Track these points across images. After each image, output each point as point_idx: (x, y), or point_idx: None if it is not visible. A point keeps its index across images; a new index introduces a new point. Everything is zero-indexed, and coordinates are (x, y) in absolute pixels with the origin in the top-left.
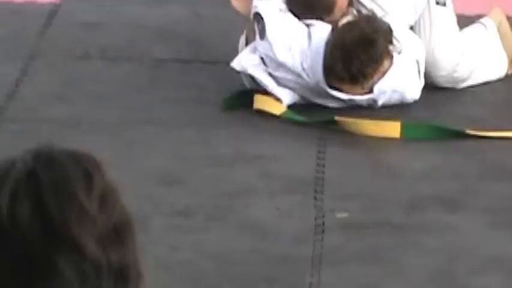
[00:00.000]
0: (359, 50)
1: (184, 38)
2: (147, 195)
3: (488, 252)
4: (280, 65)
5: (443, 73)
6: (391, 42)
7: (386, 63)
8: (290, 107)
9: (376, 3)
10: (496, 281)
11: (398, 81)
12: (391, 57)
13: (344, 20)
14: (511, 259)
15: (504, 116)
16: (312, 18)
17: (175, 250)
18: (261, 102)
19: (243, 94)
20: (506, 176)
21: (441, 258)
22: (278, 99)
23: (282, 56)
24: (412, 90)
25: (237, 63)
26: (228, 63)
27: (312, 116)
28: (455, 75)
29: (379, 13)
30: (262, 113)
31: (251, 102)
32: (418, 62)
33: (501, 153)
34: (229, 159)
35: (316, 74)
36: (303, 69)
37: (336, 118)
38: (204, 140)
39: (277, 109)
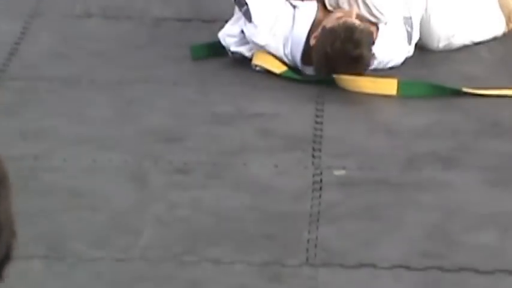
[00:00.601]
0: (344, 66)
1: None
2: (147, 152)
3: (484, 210)
4: (263, 47)
5: (439, 44)
6: (373, 44)
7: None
8: (289, 65)
9: None
10: (491, 237)
11: (388, 47)
12: (377, 26)
13: (327, 21)
14: (506, 216)
15: (501, 74)
16: None
17: (174, 207)
18: (260, 59)
19: (213, 45)
20: (502, 133)
21: (437, 215)
22: (277, 58)
23: (266, 41)
24: (403, 53)
25: (222, 38)
26: (227, 21)
27: (309, 75)
28: (451, 46)
29: None
30: (261, 72)
31: (219, 53)
32: (411, 22)
33: (497, 111)
34: (228, 117)
35: (295, 60)
36: (284, 54)
37: (334, 76)
38: (203, 98)
39: (277, 67)
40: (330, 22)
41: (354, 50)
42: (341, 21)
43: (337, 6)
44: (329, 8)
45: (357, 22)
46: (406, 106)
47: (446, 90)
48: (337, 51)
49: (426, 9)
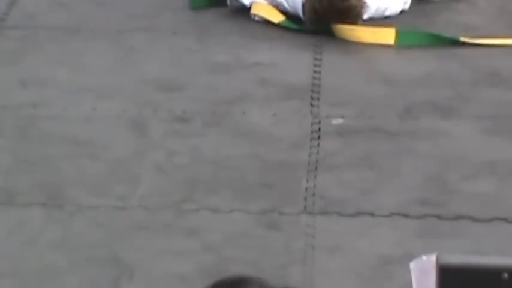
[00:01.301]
0: (335, 19)
1: None
2: (146, 101)
3: (481, 158)
4: None
5: None
6: None
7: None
8: (287, 15)
9: None
10: (488, 185)
11: (381, 0)
12: None
13: None
14: (503, 164)
15: (498, 24)
16: None
17: (173, 155)
18: (259, 8)
19: None
20: (499, 83)
21: (435, 164)
22: (276, 8)
23: None
24: (399, 2)
25: None
26: None
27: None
28: None
29: None
30: (260, 22)
31: (218, 3)
32: None
33: (495, 60)
34: (227, 67)
35: (296, 8)
36: (286, 0)
37: (332, 26)
38: (202, 48)
39: (275, 17)
40: None
41: (341, 3)
42: None
43: None
44: None
45: None
46: (404, 55)
47: (444, 39)
48: (325, 6)
49: None
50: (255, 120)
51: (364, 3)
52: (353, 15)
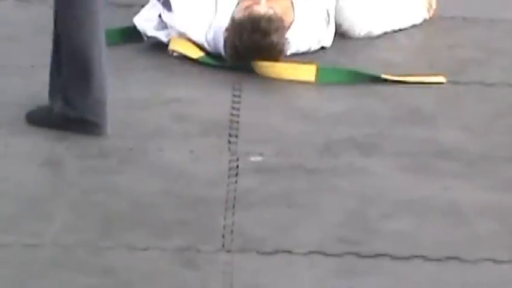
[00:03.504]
0: (256, 56)
1: None
2: (61, 137)
3: (400, 196)
4: (184, 34)
5: (360, 32)
6: (286, 30)
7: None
8: (206, 51)
9: None
10: (406, 223)
11: (305, 32)
12: (293, 10)
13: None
14: (421, 202)
15: (419, 61)
16: None
17: (88, 191)
18: (177, 44)
19: (127, 30)
20: (419, 120)
21: (354, 201)
22: (195, 44)
23: (187, 28)
24: (321, 39)
25: (138, 22)
26: (143, 6)
27: (228, 61)
28: (372, 33)
29: None
30: (179, 58)
31: (134, 38)
32: (328, 11)
33: (415, 98)
34: (144, 102)
35: (217, 47)
36: (206, 40)
37: (252, 62)
38: (120, 83)
39: (194, 53)
40: (238, 13)
41: (262, 40)
42: (247, 11)
43: None
44: None
45: (263, 10)
46: (325, 92)
47: (365, 76)
48: (246, 43)
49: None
50: (172, 157)
51: (286, 39)
52: (275, 53)
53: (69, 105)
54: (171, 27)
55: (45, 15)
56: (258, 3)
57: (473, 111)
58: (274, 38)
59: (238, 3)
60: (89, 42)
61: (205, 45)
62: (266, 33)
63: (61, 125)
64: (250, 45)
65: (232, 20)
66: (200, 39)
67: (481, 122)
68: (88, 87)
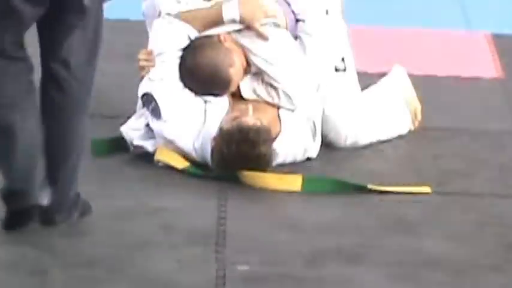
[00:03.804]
0: (244, 166)
1: None
2: (48, 247)
3: None
4: (171, 142)
5: (346, 142)
6: (273, 141)
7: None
8: (192, 161)
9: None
10: None
11: (291, 143)
12: (280, 122)
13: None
14: None
15: (405, 171)
16: (209, 95)
17: None
18: (163, 154)
19: (114, 140)
20: (405, 230)
21: None
22: (181, 154)
23: (175, 135)
24: (307, 150)
25: (125, 132)
26: (128, 117)
27: (214, 170)
28: (359, 143)
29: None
30: (164, 167)
31: (121, 149)
32: (314, 122)
33: (401, 208)
34: (131, 212)
35: (204, 155)
36: (194, 148)
37: (238, 172)
38: (106, 193)
39: (180, 163)
40: (226, 123)
41: (250, 151)
42: (235, 122)
43: (254, 95)
44: (244, 96)
45: (252, 121)
46: (311, 201)
47: (351, 186)
48: (234, 153)
49: (334, 106)
50: (159, 267)
51: (274, 150)
52: (262, 163)
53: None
54: (159, 135)
55: None
56: (246, 114)
57: (459, 221)
58: (262, 149)
59: (227, 113)
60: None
61: (193, 153)
62: (254, 144)
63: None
64: (238, 155)
65: (221, 129)
66: (188, 147)
67: (467, 231)
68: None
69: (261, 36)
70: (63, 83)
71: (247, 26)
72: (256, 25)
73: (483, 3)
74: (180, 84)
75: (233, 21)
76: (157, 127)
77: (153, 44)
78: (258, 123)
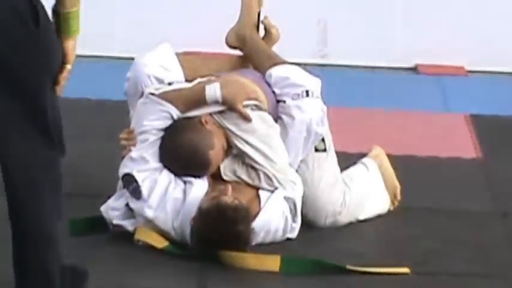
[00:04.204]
0: (223, 245)
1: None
2: None
3: None
4: (151, 221)
5: (325, 222)
6: (252, 220)
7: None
8: (171, 240)
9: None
10: None
11: (271, 223)
12: (259, 201)
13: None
14: None
15: (383, 252)
16: (188, 176)
17: None
18: (143, 234)
19: (92, 220)
20: None
21: None
22: (160, 233)
23: (155, 216)
24: (287, 230)
25: (104, 211)
26: (109, 197)
27: (194, 249)
28: (338, 223)
29: (258, 159)
30: (144, 247)
31: (99, 228)
32: (294, 202)
33: None
34: None
35: (184, 235)
36: (173, 228)
37: (218, 251)
38: None
39: (159, 242)
40: (205, 202)
41: (229, 229)
42: (214, 201)
43: (234, 177)
44: (224, 178)
45: (230, 200)
46: (289, 282)
47: (330, 267)
48: (213, 232)
49: (311, 191)
50: None
51: (252, 229)
52: (241, 242)
53: None
54: (139, 214)
55: None
56: (225, 193)
57: None
58: (240, 227)
59: (206, 193)
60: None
61: (172, 232)
62: (232, 222)
63: None
64: (216, 234)
65: (200, 209)
66: (167, 226)
67: None
68: None
69: (244, 118)
70: None
71: (229, 108)
72: (239, 106)
73: (462, 85)
74: (161, 165)
75: (216, 102)
76: (137, 207)
77: (135, 122)
78: (236, 202)
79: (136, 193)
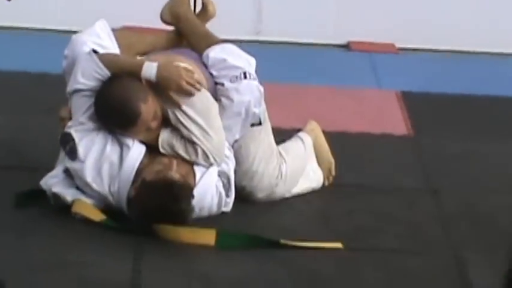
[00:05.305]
0: (163, 220)
1: (5, 145)
2: None
3: None
4: (88, 184)
5: (262, 195)
6: (192, 198)
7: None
8: (109, 213)
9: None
10: None
11: (206, 198)
12: (194, 177)
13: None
14: None
15: (317, 227)
16: (117, 129)
17: None
18: (80, 207)
19: (33, 193)
20: (317, 284)
21: None
22: (98, 207)
23: (91, 178)
24: (221, 205)
25: (44, 181)
26: (48, 170)
27: (130, 222)
28: (274, 195)
29: (196, 133)
30: (82, 220)
31: (40, 202)
32: (229, 177)
33: (313, 263)
34: (47, 265)
35: (120, 200)
36: (110, 192)
37: (153, 225)
38: (22, 246)
39: (96, 216)
40: (149, 175)
41: (172, 205)
42: (161, 175)
43: (172, 151)
44: (162, 151)
45: (177, 176)
46: (224, 256)
47: (264, 241)
48: (156, 206)
49: (250, 160)
50: None
51: (193, 207)
52: (181, 218)
53: None
54: (77, 177)
55: None
56: (170, 168)
57: (369, 277)
58: (183, 205)
59: (141, 162)
60: None
61: (109, 197)
62: (177, 199)
63: None
64: (159, 208)
65: (143, 181)
66: (104, 191)
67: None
68: None
69: (173, 102)
70: None
71: (161, 89)
72: (170, 92)
73: (393, 63)
74: (97, 125)
75: (149, 80)
76: (74, 168)
77: (73, 77)
78: (182, 180)
79: (72, 153)
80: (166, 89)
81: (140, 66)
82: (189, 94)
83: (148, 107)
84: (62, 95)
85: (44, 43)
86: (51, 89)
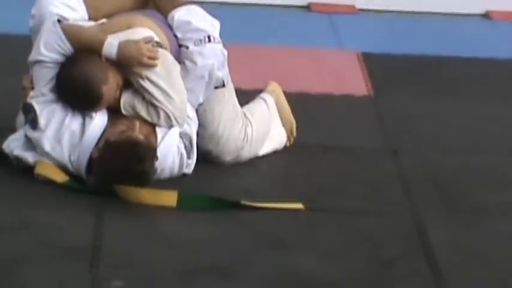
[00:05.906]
0: (126, 181)
1: None
2: None
3: None
4: (47, 153)
5: (229, 158)
6: (156, 160)
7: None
8: (72, 175)
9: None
10: None
11: (167, 159)
12: (155, 138)
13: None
14: None
15: (278, 188)
16: (80, 108)
17: None
18: (43, 168)
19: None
20: (278, 246)
21: None
22: (60, 167)
23: (50, 147)
24: (183, 166)
25: (5, 144)
26: (11, 130)
27: (93, 184)
28: (240, 158)
29: (158, 96)
30: (44, 182)
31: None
32: (191, 139)
33: (274, 224)
34: (7, 226)
35: (80, 169)
36: (70, 161)
37: (115, 187)
38: None
39: (59, 177)
40: (113, 135)
41: (136, 166)
42: (124, 135)
43: (133, 112)
44: (123, 112)
45: (141, 137)
46: (186, 217)
47: (226, 202)
48: (120, 167)
49: (215, 123)
50: (33, 283)
51: (156, 169)
52: (144, 180)
53: None
54: (37, 146)
55: None
56: (133, 129)
57: (331, 238)
58: (147, 166)
59: (106, 129)
60: None
61: (69, 165)
62: (141, 160)
63: None
64: (122, 169)
65: (107, 141)
66: (64, 159)
67: (339, 249)
68: None
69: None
70: None
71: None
72: (132, 68)
73: (353, 24)
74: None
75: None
76: (34, 137)
77: (36, 47)
78: (146, 141)
79: (33, 123)
80: (128, 67)
81: (101, 43)
82: (152, 67)
83: (110, 86)
84: (25, 55)
85: (5, 3)
86: (13, 49)
